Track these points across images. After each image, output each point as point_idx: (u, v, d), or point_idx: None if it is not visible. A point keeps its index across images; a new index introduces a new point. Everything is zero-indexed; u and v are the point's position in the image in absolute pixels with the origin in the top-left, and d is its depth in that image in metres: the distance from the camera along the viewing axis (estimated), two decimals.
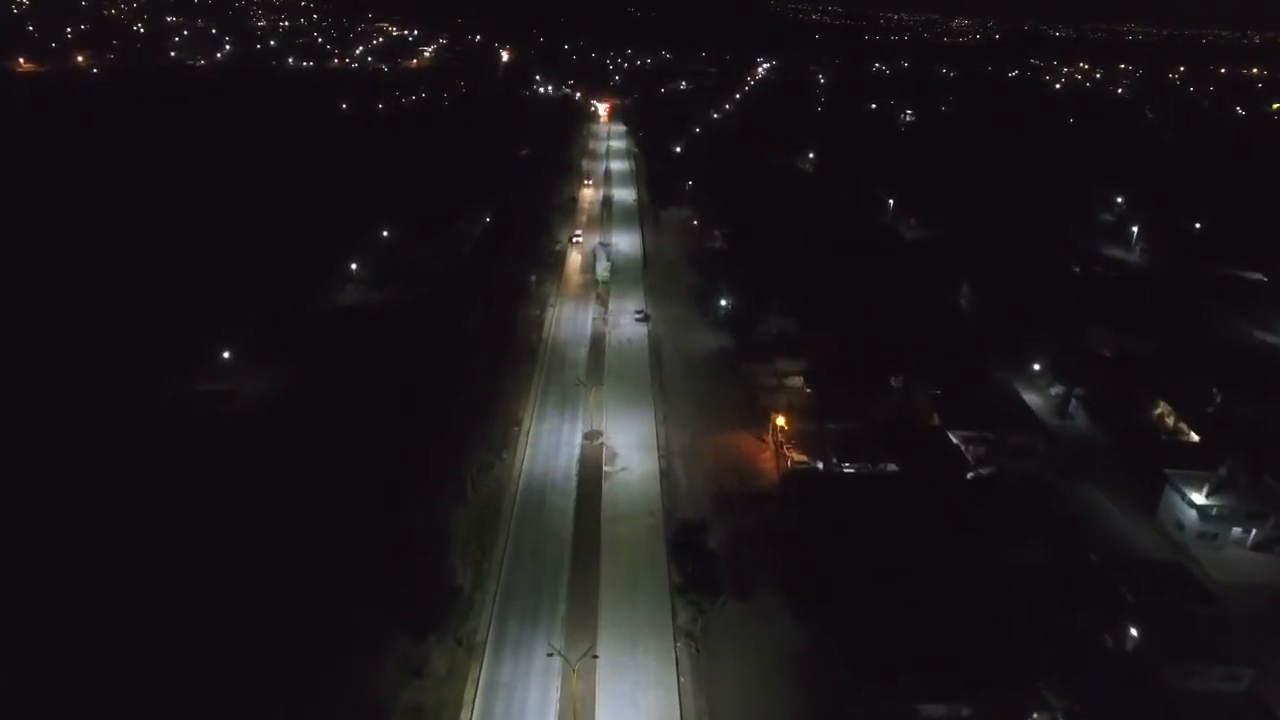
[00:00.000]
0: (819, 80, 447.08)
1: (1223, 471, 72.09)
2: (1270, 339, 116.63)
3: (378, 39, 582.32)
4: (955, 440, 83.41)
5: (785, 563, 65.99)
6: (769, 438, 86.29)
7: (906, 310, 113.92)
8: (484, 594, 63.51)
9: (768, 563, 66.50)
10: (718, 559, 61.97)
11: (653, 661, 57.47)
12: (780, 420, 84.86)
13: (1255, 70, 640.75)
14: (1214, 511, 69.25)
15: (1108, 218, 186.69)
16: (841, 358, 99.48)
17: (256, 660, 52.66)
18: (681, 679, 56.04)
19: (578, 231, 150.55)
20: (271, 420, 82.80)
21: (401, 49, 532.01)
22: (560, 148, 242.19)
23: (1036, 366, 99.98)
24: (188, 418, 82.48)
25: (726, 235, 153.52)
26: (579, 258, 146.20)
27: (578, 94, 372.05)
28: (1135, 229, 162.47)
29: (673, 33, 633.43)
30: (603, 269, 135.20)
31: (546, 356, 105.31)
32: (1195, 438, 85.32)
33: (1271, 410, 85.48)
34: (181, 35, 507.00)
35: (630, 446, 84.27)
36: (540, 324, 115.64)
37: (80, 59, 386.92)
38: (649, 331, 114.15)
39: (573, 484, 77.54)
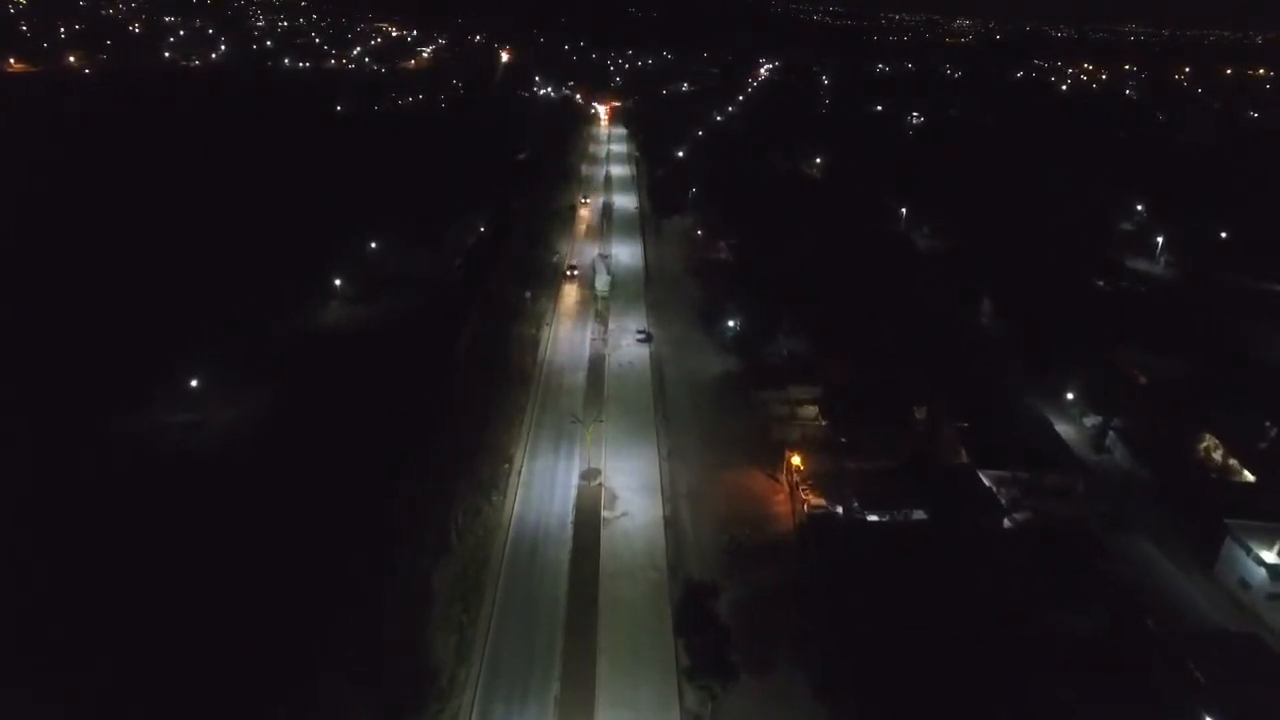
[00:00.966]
0: (822, 81, 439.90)
1: None
2: None
3: (376, 39, 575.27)
4: (986, 481, 76.29)
5: (804, 630, 58.96)
6: (783, 477, 79.15)
7: (925, 329, 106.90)
8: (467, 668, 56.31)
9: (785, 629, 59.46)
10: (729, 633, 54.83)
11: None
12: (795, 459, 77.61)
13: (1261, 71, 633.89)
14: None
15: (1127, 226, 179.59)
16: (858, 383, 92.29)
17: None
18: None
19: (572, 265, 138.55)
20: (237, 457, 75.59)
21: (400, 50, 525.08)
22: (559, 152, 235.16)
23: (1070, 396, 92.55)
24: (149, 453, 75.31)
25: (732, 246, 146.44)
26: (577, 271, 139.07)
27: (577, 95, 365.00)
28: (1160, 239, 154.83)
29: (674, 33, 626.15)
30: (602, 283, 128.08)
31: (541, 382, 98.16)
32: (1249, 476, 78.20)
33: None
34: (177, 35, 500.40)
35: (631, 488, 77.11)
36: (535, 344, 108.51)
37: (72, 59, 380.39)
38: (651, 352, 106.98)
39: (568, 532, 70.37)
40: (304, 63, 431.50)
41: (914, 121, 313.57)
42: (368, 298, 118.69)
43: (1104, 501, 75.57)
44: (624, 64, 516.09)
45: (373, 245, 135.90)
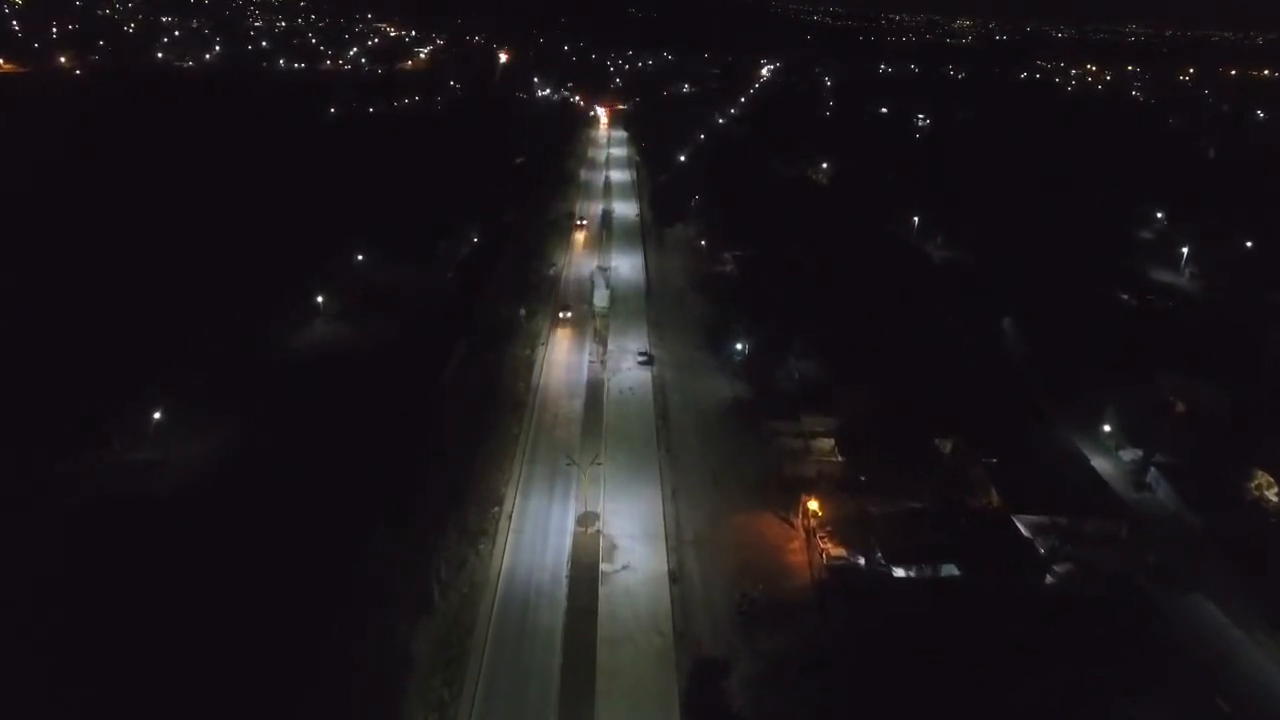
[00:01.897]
0: (825, 83, 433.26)
1: None
2: None
3: (373, 40, 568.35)
4: (1023, 528, 69.50)
5: (827, 710, 52.19)
6: (799, 521, 72.30)
7: (946, 352, 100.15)
8: None
9: (806, 708, 52.65)
10: None
11: None
12: (813, 504, 70.77)
13: (1266, 72, 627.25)
14: None
15: (1147, 235, 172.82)
16: (877, 413, 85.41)
17: None
18: None
19: (565, 310, 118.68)
20: (198, 500, 68.79)
21: (397, 50, 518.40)
22: (558, 157, 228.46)
23: (1107, 428, 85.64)
24: (92, 502, 68.40)
25: (737, 258, 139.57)
26: (574, 289, 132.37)
27: (577, 97, 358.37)
28: (1184, 249, 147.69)
29: (674, 34, 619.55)
30: (601, 298, 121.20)
31: (535, 410, 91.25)
32: None
33: None
34: (172, 36, 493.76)
35: (633, 534, 70.22)
36: (529, 367, 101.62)
37: (63, 60, 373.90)
38: (653, 376, 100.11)
39: (563, 590, 63.46)
40: (299, 64, 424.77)
41: (920, 124, 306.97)
42: (353, 315, 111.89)
43: (1151, 549, 68.70)
44: (624, 64, 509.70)
45: (360, 258, 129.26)
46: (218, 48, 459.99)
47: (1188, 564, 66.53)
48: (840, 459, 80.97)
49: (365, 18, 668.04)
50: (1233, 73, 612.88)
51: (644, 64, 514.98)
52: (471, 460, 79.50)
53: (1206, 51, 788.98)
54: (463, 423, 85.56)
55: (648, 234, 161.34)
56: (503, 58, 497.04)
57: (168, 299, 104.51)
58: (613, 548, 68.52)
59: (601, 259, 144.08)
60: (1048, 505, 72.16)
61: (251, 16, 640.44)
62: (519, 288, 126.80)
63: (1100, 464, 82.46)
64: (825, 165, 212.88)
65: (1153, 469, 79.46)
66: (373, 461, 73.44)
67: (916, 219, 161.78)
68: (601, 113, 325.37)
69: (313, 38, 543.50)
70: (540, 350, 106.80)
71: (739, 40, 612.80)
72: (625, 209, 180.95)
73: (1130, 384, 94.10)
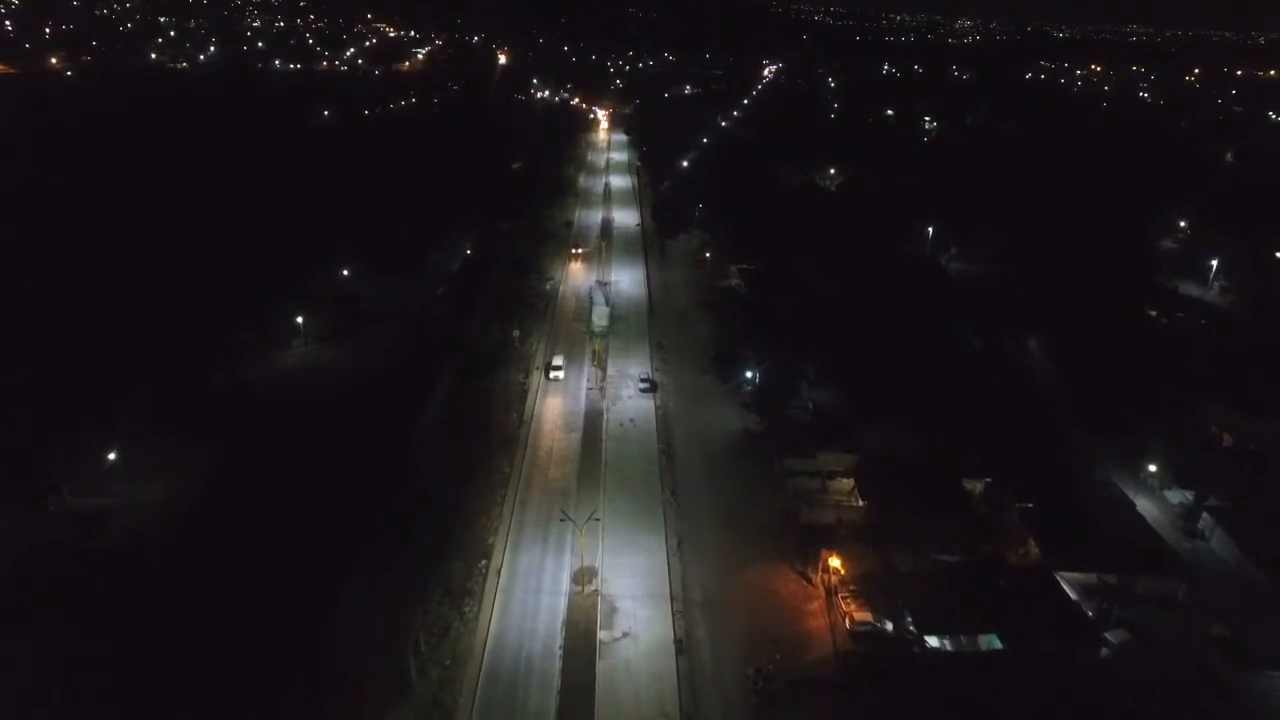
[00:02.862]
0: (829, 84, 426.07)
1: None
2: None
3: (371, 40, 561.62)
4: (1069, 589, 62.45)
5: None
6: (817, 577, 65.31)
7: (971, 378, 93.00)
8: None
9: None
10: None
11: None
12: (834, 560, 63.77)
13: (1273, 73, 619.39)
14: None
15: (1169, 244, 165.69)
16: (899, 449, 78.34)
17: None
18: None
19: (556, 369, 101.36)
20: (144, 554, 61.75)
21: (395, 51, 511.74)
22: (556, 162, 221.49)
23: (1152, 468, 78.53)
24: (29, 554, 61.46)
25: (744, 272, 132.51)
26: (571, 305, 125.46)
27: (576, 99, 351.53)
28: (1214, 261, 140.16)
29: (675, 34, 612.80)
30: (600, 316, 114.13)
31: (529, 446, 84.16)
32: None
33: None
34: (167, 36, 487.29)
35: (634, 594, 63.17)
36: (523, 396, 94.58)
37: (53, 60, 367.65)
38: (656, 405, 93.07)
39: (555, 664, 56.39)
40: (294, 65, 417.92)
41: (928, 127, 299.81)
42: (335, 337, 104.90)
43: (1213, 612, 61.65)
44: (624, 65, 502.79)
45: (345, 273, 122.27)
46: (212, 48, 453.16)
47: (1257, 631, 59.39)
48: (861, 503, 73.92)
49: (365, 18, 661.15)
50: (1239, 73, 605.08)
51: (644, 65, 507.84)
52: (457, 504, 72.53)
53: (1208, 52, 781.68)
54: (449, 459, 78.60)
55: (649, 245, 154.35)
56: (501, 59, 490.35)
57: (132, 320, 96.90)
58: (612, 611, 61.46)
59: (601, 273, 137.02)
60: (1093, 557, 65.24)
61: (250, 16, 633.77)
62: (513, 304, 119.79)
63: (1144, 506, 75.38)
64: (833, 171, 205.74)
65: (1205, 515, 72.33)
66: (347, 507, 66.46)
67: (931, 229, 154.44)
68: (601, 115, 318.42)
69: (309, 38, 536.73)
70: (535, 375, 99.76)
71: (740, 41, 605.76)
72: (626, 218, 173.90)
73: (1170, 413, 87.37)
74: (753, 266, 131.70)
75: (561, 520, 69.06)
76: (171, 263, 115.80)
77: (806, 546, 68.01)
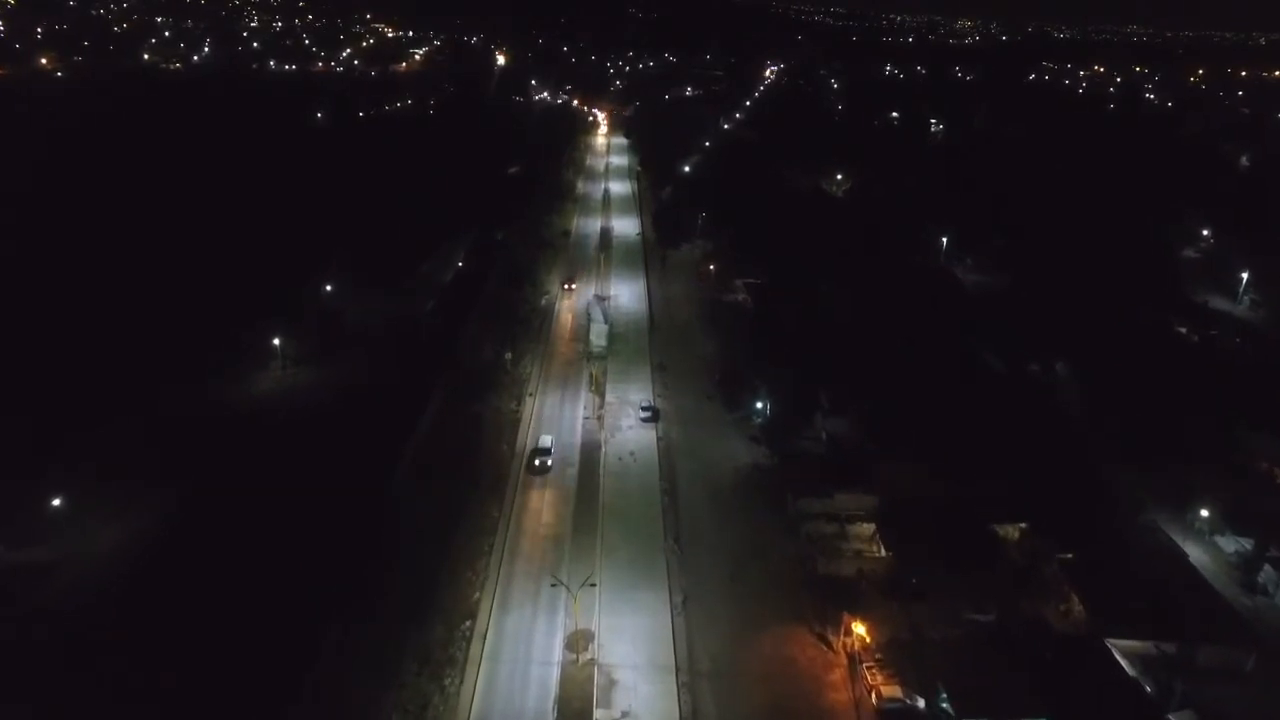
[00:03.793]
0: (832, 85, 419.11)
1: None
2: None
3: (369, 41, 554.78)
4: (1122, 661, 55.70)
5: None
6: (838, 641, 58.61)
7: (997, 407, 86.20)
8: None
9: None
10: None
11: None
12: (858, 626, 57.03)
13: (1278, 73, 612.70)
14: None
15: (1191, 254, 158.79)
16: (924, 490, 71.63)
17: None
18: None
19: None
20: (81, 617, 55.07)
21: (392, 51, 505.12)
22: (554, 166, 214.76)
23: (1205, 512, 71.75)
24: None
25: (750, 286, 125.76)
26: (569, 319, 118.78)
27: (575, 101, 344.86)
28: (1244, 273, 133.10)
29: (675, 35, 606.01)
30: (599, 334, 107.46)
31: (519, 487, 77.30)
32: None
33: None
34: (161, 36, 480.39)
35: (635, 664, 56.37)
36: (515, 425, 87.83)
37: (44, 61, 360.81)
38: (658, 436, 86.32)
39: None
40: (290, 65, 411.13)
41: (935, 129, 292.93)
42: (315, 358, 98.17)
43: None
44: (624, 65, 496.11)
45: (329, 287, 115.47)
46: (207, 49, 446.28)
47: None
48: (884, 553, 67.25)
49: (364, 18, 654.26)
50: (1243, 74, 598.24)
51: (645, 65, 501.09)
52: (440, 554, 65.85)
53: (1209, 53, 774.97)
54: (433, 500, 71.89)
55: (650, 255, 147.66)
56: (500, 59, 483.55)
57: (90, 343, 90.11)
58: (610, 684, 54.69)
59: (599, 287, 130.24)
60: (1146, 618, 58.55)
61: (248, 16, 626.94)
62: (506, 321, 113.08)
63: (1195, 554, 68.72)
64: (840, 176, 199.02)
65: (1267, 567, 65.59)
66: (318, 559, 59.78)
67: (944, 239, 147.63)
68: (601, 117, 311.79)
69: (306, 38, 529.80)
70: (528, 402, 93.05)
71: (741, 42, 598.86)
72: (626, 226, 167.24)
73: (1214, 446, 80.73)
74: (759, 280, 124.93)
75: (553, 585, 61.96)
76: (141, 276, 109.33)
77: (825, 604, 61.45)
